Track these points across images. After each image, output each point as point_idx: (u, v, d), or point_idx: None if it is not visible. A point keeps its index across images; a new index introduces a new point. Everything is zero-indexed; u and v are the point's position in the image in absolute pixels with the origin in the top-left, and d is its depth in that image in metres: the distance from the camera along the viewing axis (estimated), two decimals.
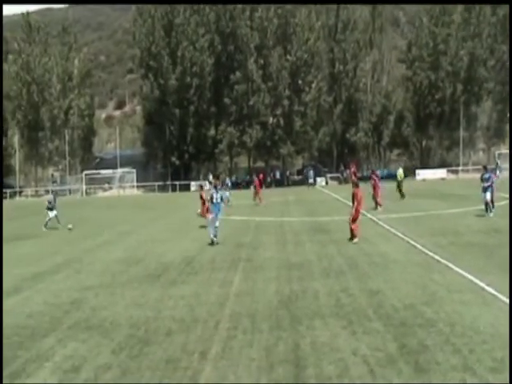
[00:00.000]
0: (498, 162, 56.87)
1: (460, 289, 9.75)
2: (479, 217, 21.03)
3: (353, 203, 16.57)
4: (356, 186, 16.83)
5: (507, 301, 8.71)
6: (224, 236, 18.22)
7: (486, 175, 21.79)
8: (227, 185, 37.21)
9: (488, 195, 21.24)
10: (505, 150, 64.77)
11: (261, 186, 37.69)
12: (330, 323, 8.13)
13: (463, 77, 67.85)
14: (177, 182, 65.64)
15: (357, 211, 16.30)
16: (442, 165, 67.05)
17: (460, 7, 69.55)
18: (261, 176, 40.16)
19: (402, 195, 31.56)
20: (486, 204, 21.34)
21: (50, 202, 25.75)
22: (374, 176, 27.64)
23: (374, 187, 26.71)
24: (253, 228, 21.65)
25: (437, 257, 12.84)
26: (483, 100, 70.38)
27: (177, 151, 66.41)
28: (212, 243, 16.80)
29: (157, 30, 64.20)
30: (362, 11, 70.82)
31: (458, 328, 7.55)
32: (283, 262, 13.39)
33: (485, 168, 23.25)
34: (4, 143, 71.51)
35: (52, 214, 25.30)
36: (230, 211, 29.12)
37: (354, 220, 16.25)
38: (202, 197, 22.80)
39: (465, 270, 11.09)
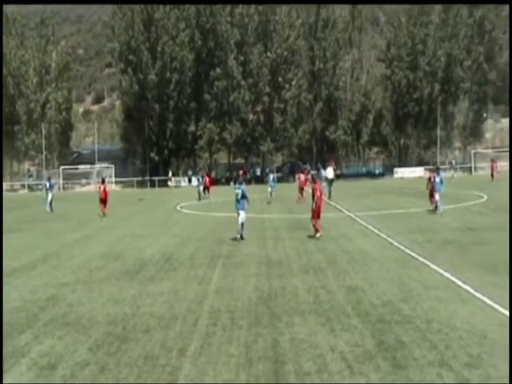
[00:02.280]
0: (453, 162, 57.31)
1: (436, 285, 9.88)
2: (455, 215, 21.33)
3: (313, 199, 16.46)
4: (314, 181, 16.96)
5: (482, 298, 8.84)
6: (204, 232, 18.16)
7: (438, 178, 22.73)
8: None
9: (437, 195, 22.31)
10: (480, 150, 65.74)
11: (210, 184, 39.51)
12: (309, 320, 8.16)
13: (440, 77, 68.85)
14: (156, 178, 65.27)
15: (318, 206, 16.29)
16: (419, 163, 67.81)
17: (438, 8, 70.49)
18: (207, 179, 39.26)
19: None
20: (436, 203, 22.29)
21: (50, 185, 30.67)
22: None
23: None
24: (233, 224, 21.61)
25: (414, 254, 13.00)
26: (460, 100, 71.47)
27: (156, 147, 66.07)
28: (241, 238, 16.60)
29: (136, 24, 63.69)
30: (342, 10, 71.16)
31: (434, 324, 7.65)
32: (263, 259, 13.41)
33: (437, 169, 24.76)
34: None
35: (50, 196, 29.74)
36: (211, 207, 29.12)
37: (317, 215, 16.31)
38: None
39: (441, 267, 11.24)
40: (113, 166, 67.51)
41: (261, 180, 63.50)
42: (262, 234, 18.08)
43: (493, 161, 46.42)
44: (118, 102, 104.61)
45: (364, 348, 6.85)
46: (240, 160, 70.48)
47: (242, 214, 16.56)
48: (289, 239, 16.46)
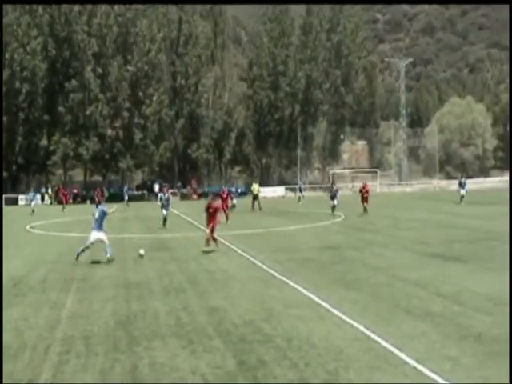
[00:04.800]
0: (301, 186, 58.18)
1: (296, 304, 10.10)
2: (315, 233, 22.27)
3: (208, 215, 17.54)
4: (213, 198, 18.45)
5: (340, 315, 9.18)
6: (57, 254, 17.05)
7: (334, 188, 31.54)
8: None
9: (335, 201, 30.46)
10: (338, 170, 69.59)
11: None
12: (170, 343, 7.95)
13: (301, 98, 71.57)
14: (3, 196, 60.31)
15: (215, 222, 17.44)
16: (281, 183, 69.79)
17: (298, 30, 73.41)
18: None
19: (261, 208, 35.43)
20: (333, 208, 29.52)
21: None
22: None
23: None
24: (89, 246, 20.56)
25: (275, 273, 13.26)
26: (319, 121, 74.87)
27: (4, 162, 61.26)
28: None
29: None
30: (205, 27, 71.73)
31: (294, 342, 7.78)
32: (121, 281, 12.88)
33: (333, 183, 32.29)
34: None
35: None
36: (66, 228, 27.57)
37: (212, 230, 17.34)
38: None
39: (301, 286, 11.54)
40: None
41: (120, 198, 61.47)
42: (120, 255, 17.39)
43: (364, 185, 32.15)
44: None
45: (225, 369, 6.80)
46: (97, 177, 67.76)
47: (96, 235, 15.64)
48: (149, 260, 16.00)
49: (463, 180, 40.13)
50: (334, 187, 33.45)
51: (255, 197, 36.98)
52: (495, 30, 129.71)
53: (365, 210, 29.40)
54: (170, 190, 45.08)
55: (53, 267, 15.13)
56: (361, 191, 30.88)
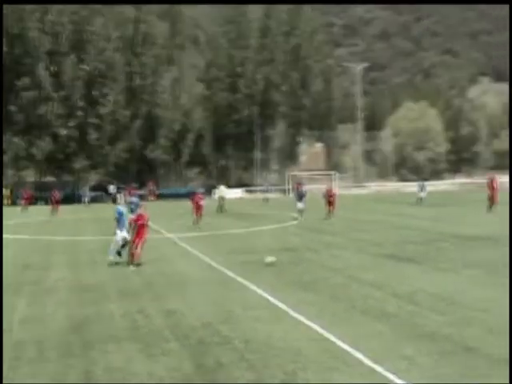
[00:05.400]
0: (268, 187, 58.43)
1: (255, 306, 10.09)
2: (274, 235, 22.33)
3: (136, 227, 15.06)
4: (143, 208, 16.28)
5: (297, 316, 9.19)
6: (8, 256, 16.56)
7: (302, 190, 30.43)
8: None
9: (301, 204, 28.98)
10: (296, 172, 69.76)
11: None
12: (125, 346, 7.81)
13: (259, 100, 71.66)
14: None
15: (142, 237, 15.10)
16: (239, 184, 69.69)
17: (256, 32, 73.43)
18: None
19: (225, 210, 35.51)
20: (300, 211, 28.64)
21: None
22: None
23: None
24: (43, 247, 20.08)
25: (233, 275, 13.20)
26: (277, 123, 75.11)
27: None
28: None
29: None
30: (161, 27, 71.01)
31: (252, 344, 7.76)
32: (76, 284, 12.59)
33: (299, 184, 33.05)
34: None
35: None
36: (18, 229, 26.81)
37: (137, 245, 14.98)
38: None
39: (259, 287, 11.53)
40: None
41: (74, 199, 60.08)
42: (74, 257, 17.03)
43: (329, 190, 30.71)
44: None
45: (183, 372, 6.73)
46: (50, 178, 66.01)
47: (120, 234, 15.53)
48: (104, 263, 15.66)
49: (422, 183, 41.21)
50: (302, 189, 31.34)
51: (222, 199, 36.78)
52: (448, 36, 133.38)
53: (329, 213, 28.55)
54: (138, 192, 44.59)
55: (3, 270, 14.65)
56: (326, 195, 29.48)
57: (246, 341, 7.92)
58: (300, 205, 29.18)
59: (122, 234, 15.45)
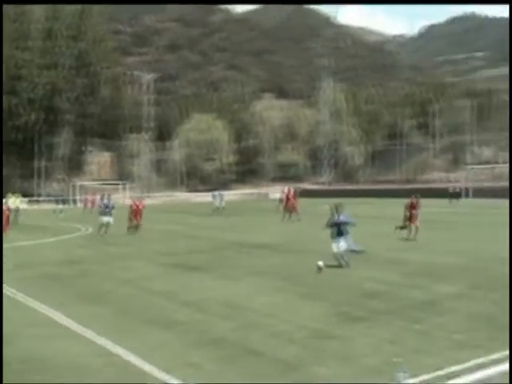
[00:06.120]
0: (60, 201, 55.20)
1: (35, 323, 9.47)
2: (57, 247, 21.22)
3: None
4: None
5: (82, 331, 8.86)
6: None
7: (109, 203, 25.45)
8: None
9: (106, 218, 24.66)
10: (83, 182, 66.72)
11: None
12: None
13: (43, 105, 67.60)
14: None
15: None
16: (24, 194, 64.23)
17: (39, 35, 68.91)
18: None
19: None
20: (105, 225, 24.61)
21: None
22: None
23: None
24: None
25: (13, 291, 12.17)
26: (62, 131, 71.54)
27: None
28: None
29: None
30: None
31: (33, 363, 7.31)
32: None
33: (107, 197, 26.70)
34: None
35: None
36: None
37: None
38: None
39: (41, 303, 10.87)
40: None
41: None
42: None
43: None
44: None
45: None
46: None
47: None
48: None
49: (217, 193, 42.89)
50: (108, 202, 26.07)
51: (16, 210, 33.42)
52: (234, 52, 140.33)
53: (136, 227, 25.88)
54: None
55: None
56: (131, 206, 26.65)
57: (23, 361, 7.41)
58: (105, 218, 24.92)
59: None
